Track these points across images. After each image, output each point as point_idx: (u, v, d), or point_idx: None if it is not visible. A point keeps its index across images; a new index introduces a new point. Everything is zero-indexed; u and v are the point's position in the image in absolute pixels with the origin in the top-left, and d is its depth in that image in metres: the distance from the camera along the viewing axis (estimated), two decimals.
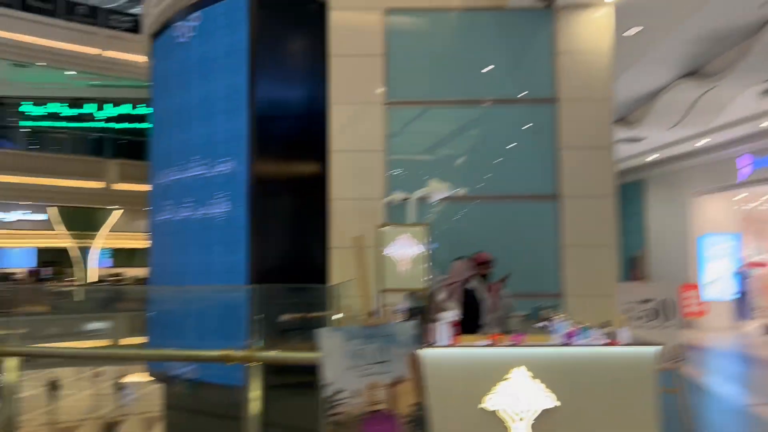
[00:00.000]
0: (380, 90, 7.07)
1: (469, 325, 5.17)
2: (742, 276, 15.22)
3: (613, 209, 6.41)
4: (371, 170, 6.84)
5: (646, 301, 6.09)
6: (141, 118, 21.77)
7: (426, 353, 3.63)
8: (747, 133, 13.04)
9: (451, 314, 3.84)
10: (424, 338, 3.68)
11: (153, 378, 12.64)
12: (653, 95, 10.39)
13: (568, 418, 3.74)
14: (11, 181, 17.11)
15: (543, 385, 3.76)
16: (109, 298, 18.03)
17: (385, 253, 4.91)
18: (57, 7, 19.40)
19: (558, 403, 3.79)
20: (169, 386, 11.48)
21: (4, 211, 18.32)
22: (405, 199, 6.29)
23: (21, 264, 21.94)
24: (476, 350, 3.74)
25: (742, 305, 15.13)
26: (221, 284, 10.24)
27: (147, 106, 21.10)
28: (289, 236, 9.97)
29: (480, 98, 7.01)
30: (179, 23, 11.47)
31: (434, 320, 4.11)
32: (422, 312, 4.75)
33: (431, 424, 3.27)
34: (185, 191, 11.26)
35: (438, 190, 5.53)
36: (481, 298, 5.68)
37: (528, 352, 3.80)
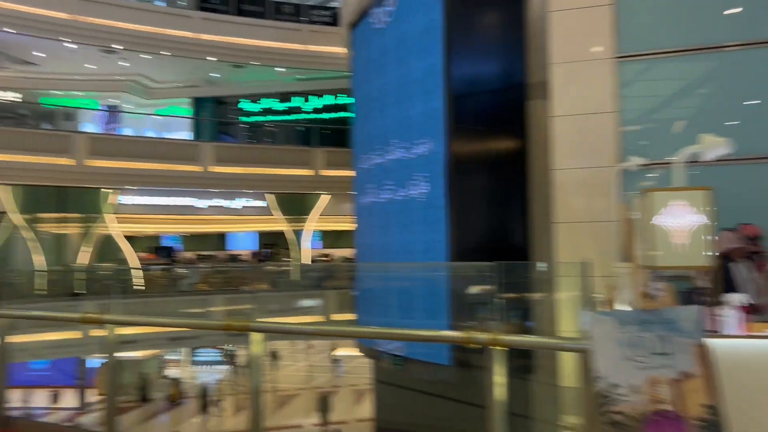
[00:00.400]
0: (609, 44, 6.27)
1: None
2: None
3: None
4: (600, 134, 6.11)
5: None
6: (343, 108, 22.83)
7: (715, 344, 2.99)
8: None
9: (740, 297, 3.15)
10: (707, 326, 3.05)
11: (362, 353, 13.18)
12: None
13: None
14: (235, 171, 18.92)
15: None
16: (322, 276, 19.24)
17: (654, 223, 4.18)
18: (266, 9, 20.97)
19: None
20: (377, 361, 11.85)
21: (230, 199, 20.33)
22: (644, 165, 5.46)
23: (245, 246, 24.36)
24: None
25: None
26: (423, 262, 10.29)
27: (348, 96, 22.14)
28: (488, 214, 9.63)
29: (728, 43, 5.94)
30: (376, 9, 11.62)
31: (715, 304, 3.46)
32: (695, 293, 4.04)
33: (730, 430, 2.68)
34: (386, 174, 11.47)
35: (713, 147, 4.64)
36: (747, 278, 4.78)
37: None
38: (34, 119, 20.31)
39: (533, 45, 9.48)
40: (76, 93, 22.46)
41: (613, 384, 2.68)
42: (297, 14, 21.36)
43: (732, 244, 4.87)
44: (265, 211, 20.44)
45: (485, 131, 9.99)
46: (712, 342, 3.00)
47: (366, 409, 19.01)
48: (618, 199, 5.11)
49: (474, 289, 8.62)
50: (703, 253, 4.05)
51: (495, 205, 9.90)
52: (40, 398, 21.36)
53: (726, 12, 6.13)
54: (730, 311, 3.13)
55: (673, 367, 2.73)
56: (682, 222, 4.04)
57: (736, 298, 3.14)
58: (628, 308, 3.19)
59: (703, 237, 4.06)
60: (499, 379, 3.10)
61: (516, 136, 9.59)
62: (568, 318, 4.80)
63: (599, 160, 5.97)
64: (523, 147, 9.38)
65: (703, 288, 4.23)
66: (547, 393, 5.80)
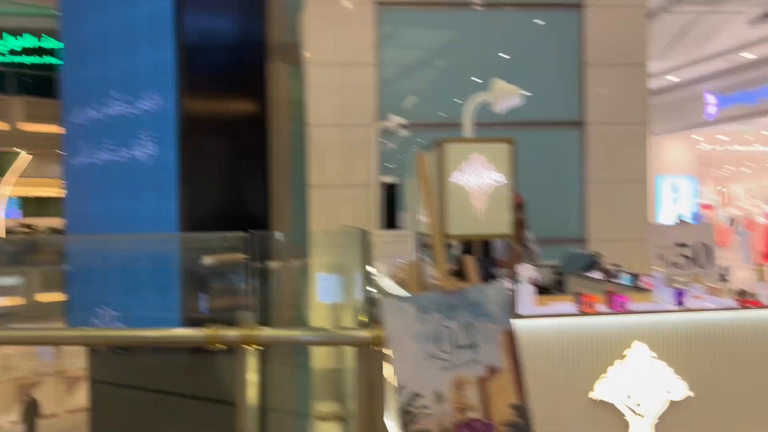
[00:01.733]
0: None
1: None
2: (697, 218, 15.11)
3: (644, 138, 5.49)
4: (359, 88, 5.55)
5: (681, 245, 5.26)
6: (48, 52, 19.34)
7: (519, 327, 2.58)
8: (714, 71, 12.56)
9: (529, 270, 2.80)
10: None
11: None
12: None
13: (701, 412, 2.82)
14: None
15: (672, 369, 2.82)
16: (20, 250, 16.09)
17: (452, 181, 3.57)
18: None
19: (691, 393, 2.84)
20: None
21: None
22: (403, 126, 4.99)
23: None
24: (575, 321, 2.75)
25: None
26: (151, 233, 8.99)
27: (55, 38, 18.73)
28: (225, 180, 8.78)
29: (494, 1, 5.79)
30: None
31: (508, 278, 3.12)
32: (489, 267, 3.66)
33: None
34: (105, 132, 9.70)
35: (506, 96, 4.25)
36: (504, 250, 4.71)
37: (639, 322, 2.83)
38: None
39: (276, 2, 8.74)
40: None
41: (416, 394, 2.07)
42: None
43: None
44: None
45: (222, 90, 9.01)
46: (518, 325, 2.62)
47: (80, 398, 16.63)
48: (376, 161, 4.61)
49: (213, 265, 7.64)
50: (505, 219, 3.67)
51: (232, 171, 9.00)
52: None
53: None
54: (523, 286, 2.79)
55: (480, 363, 2.24)
56: (481, 181, 3.60)
57: (527, 271, 2.81)
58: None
59: (504, 199, 3.68)
60: (253, 378, 2.37)
61: (255, 98, 8.84)
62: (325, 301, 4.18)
63: (356, 117, 5.41)
64: (263, 110, 8.68)
65: (495, 260, 3.97)
66: (298, 378, 5.19)
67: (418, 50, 5.80)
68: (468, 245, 4.17)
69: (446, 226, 3.45)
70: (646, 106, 5.48)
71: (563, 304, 2.93)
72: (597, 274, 4.34)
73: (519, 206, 4.92)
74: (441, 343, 2.16)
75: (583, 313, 2.73)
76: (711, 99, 13.23)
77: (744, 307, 2.84)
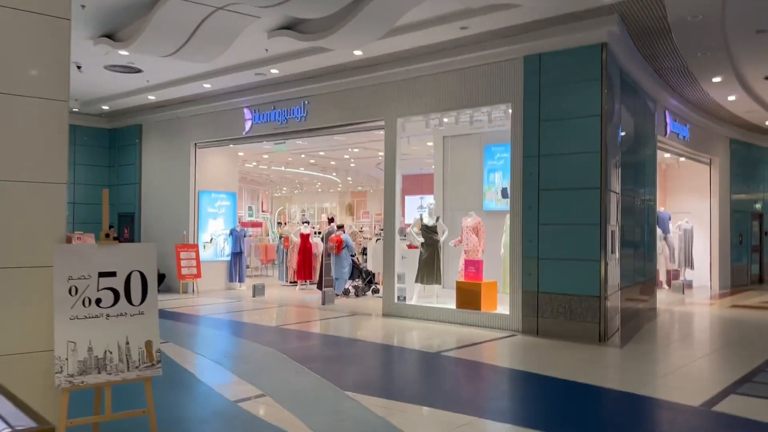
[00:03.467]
0: None
1: None
2: (236, 236, 14.71)
3: (65, 118, 3.80)
4: None
5: (108, 274, 3.80)
6: None
7: None
8: (248, 83, 12.17)
9: None
10: None
11: None
12: (152, 4, 8.11)
13: None
14: None
15: None
16: None
17: None
18: None
19: None
20: None
21: None
22: None
23: None
24: None
25: (236, 266, 14.64)
26: None
27: None
28: None
29: None
30: None
31: None
32: None
33: None
34: None
35: None
36: None
37: None
38: None
39: None
40: None
41: None
42: None
43: None
44: None
45: None
46: None
47: None
48: None
49: None
50: None
51: None
52: None
53: None
54: None
55: None
56: None
57: None
58: None
59: None
60: None
61: None
62: None
63: None
64: None
65: None
66: None
67: None
68: None
69: None
70: (67, 68, 3.82)
71: None
72: None
73: None
74: None
75: None
76: (248, 114, 12.90)
77: None
